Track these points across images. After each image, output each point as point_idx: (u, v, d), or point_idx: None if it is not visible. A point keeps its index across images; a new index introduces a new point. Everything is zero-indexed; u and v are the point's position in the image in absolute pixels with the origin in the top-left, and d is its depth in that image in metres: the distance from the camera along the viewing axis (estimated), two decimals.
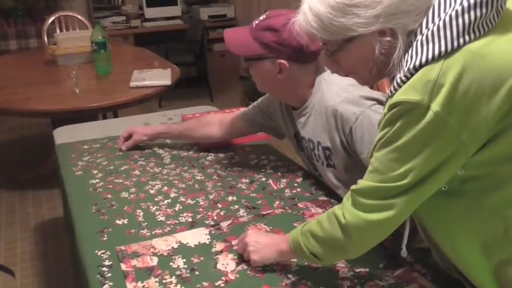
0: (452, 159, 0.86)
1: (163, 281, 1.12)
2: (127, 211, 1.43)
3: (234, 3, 5.65)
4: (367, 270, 1.13)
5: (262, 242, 1.15)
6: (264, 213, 1.40)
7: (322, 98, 1.38)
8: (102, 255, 1.22)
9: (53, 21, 4.26)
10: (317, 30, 0.96)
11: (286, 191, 1.52)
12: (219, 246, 1.25)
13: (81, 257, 1.24)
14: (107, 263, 1.19)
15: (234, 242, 1.25)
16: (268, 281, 1.11)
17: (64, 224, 1.79)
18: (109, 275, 1.15)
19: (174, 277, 1.13)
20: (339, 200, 1.37)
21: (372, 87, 1.46)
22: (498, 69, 0.82)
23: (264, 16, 1.40)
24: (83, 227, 1.36)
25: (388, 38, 0.91)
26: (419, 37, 0.87)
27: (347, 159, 1.36)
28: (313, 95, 1.42)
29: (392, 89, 0.89)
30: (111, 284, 1.12)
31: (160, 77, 2.90)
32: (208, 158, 1.77)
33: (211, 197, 1.50)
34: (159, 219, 1.38)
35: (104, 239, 1.30)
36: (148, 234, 1.31)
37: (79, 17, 4.35)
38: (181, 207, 1.44)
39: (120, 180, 1.62)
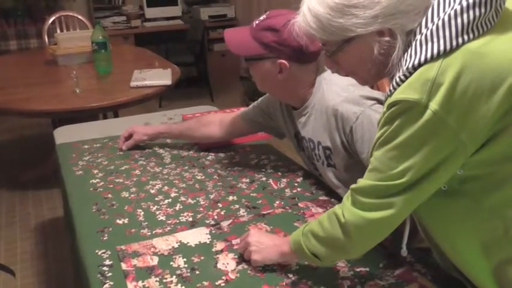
0: (451, 159, 0.86)
1: (164, 281, 1.12)
2: (127, 211, 1.43)
3: (235, 3, 5.65)
4: (368, 269, 1.13)
5: (265, 243, 1.15)
6: (265, 212, 1.40)
7: (322, 98, 1.39)
8: (102, 254, 1.22)
9: (53, 21, 4.27)
10: (316, 31, 0.96)
11: (286, 190, 1.53)
12: (219, 245, 1.25)
13: (82, 256, 1.24)
14: (107, 262, 1.19)
15: (234, 242, 1.25)
16: (268, 280, 1.11)
17: (64, 224, 1.79)
18: (109, 274, 1.15)
19: (174, 276, 1.13)
20: (339, 199, 1.37)
21: (372, 87, 1.46)
22: (497, 68, 0.82)
23: (264, 16, 1.40)
24: (84, 227, 1.36)
25: (386, 38, 0.91)
26: (418, 37, 0.87)
27: (347, 159, 1.36)
28: (313, 94, 1.42)
29: (391, 88, 0.89)
30: (111, 283, 1.12)
31: (160, 77, 2.90)
32: (208, 158, 1.78)
33: (211, 196, 1.50)
34: (159, 219, 1.38)
35: (105, 238, 1.30)
36: (149, 233, 1.31)
37: (79, 17, 4.35)
38: (181, 207, 1.44)
39: (121, 180, 1.62)
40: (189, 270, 1.15)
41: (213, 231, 1.31)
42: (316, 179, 1.58)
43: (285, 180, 1.59)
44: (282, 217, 1.38)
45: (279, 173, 1.64)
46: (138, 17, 5.43)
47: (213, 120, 1.78)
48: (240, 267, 1.16)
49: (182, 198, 1.49)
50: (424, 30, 0.86)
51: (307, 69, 1.41)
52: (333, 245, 1.00)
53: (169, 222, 1.37)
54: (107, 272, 1.16)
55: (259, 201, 1.46)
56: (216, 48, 5.60)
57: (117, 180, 1.62)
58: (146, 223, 1.36)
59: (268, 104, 1.63)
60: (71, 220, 1.45)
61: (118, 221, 1.38)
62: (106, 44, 3.03)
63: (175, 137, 1.86)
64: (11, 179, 3.53)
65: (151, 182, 1.60)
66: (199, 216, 1.39)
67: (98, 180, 1.63)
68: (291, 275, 1.13)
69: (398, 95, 0.86)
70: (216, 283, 1.11)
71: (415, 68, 0.85)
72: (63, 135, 2.03)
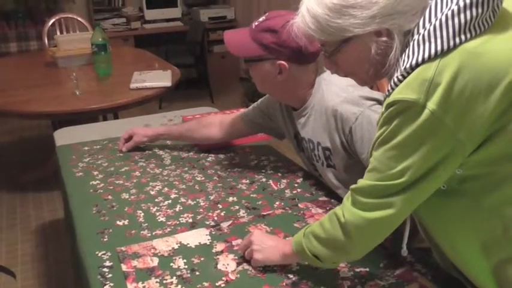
0: (449, 158, 0.86)
1: (164, 282, 1.12)
2: (127, 212, 1.43)
3: (234, 5, 5.65)
4: (368, 270, 1.14)
5: (267, 243, 1.15)
6: (265, 213, 1.40)
7: (322, 99, 1.39)
8: (102, 256, 1.23)
9: (53, 24, 4.27)
10: (315, 31, 0.96)
11: (286, 191, 1.53)
12: (219, 246, 1.25)
13: (82, 257, 1.25)
14: (107, 263, 1.19)
15: (234, 243, 1.25)
16: (268, 281, 1.11)
17: (65, 226, 1.79)
18: (110, 275, 1.15)
19: (174, 277, 1.13)
20: (339, 200, 1.38)
21: (372, 88, 1.46)
22: (494, 68, 0.82)
23: (264, 17, 1.40)
24: (84, 228, 1.36)
25: (384, 38, 0.92)
26: (416, 37, 0.87)
27: (347, 160, 1.36)
28: (313, 95, 1.42)
29: (389, 88, 0.90)
30: (111, 284, 1.12)
31: (160, 78, 2.91)
32: (208, 159, 1.78)
33: (211, 197, 1.50)
34: (159, 220, 1.38)
35: (105, 239, 1.30)
36: (149, 235, 1.31)
37: (79, 19, 4.36)
38: (181, 208, 1.44)
39: (121, 182, 1.62)
40: (189, 271, 1.15)
41: (213, 232, 1.31)
42: (316, 179, 1.58)
43: (285, 181, 1.59)
44: (282, 218, 1.38)
45: (279, 174, 1.64)
46: (137, 18, 5.43)
47: (213, 121, 1.79)
48: (240, 268, 1.16)
49: (182, 200, 1.49)
50: (421, 31, 0.87)
51: (306, 70, 1.41)
52: (334, 245, 1.00)
53: (169, 223, 1.37)
54: (107, 273, 1.16)
55: (259, 202, 1.46)
56: (216, 49, 5.60)
57: (117, 182, 1.62)
58: (146, 224, 1.36)
59: (268, 105, 1.63)
60: (71, 221, 1.46)
61: (118, 222, 1.38)
62: (106, 46, 3.03)
63: (175, 138, 1.86)
64: (12, 181, 3.53)
65: (151, 184, 1.60)
66: (199, 217, 1.39)
67: (98, 181, 1.63)
68: (291, 276, 1.13)
69: (396, 95, 0.86)
70: (216, 284, 1.11)
71: (412, 68, 0.86)
72: (63, 137, 2.04)
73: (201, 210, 1.43)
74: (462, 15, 0.84)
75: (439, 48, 0.84)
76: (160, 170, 1.70)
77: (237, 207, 1.44)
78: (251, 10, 5.22)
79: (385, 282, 1.09)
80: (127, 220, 1.39)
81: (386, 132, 0.89)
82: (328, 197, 1.48)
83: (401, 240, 1.07)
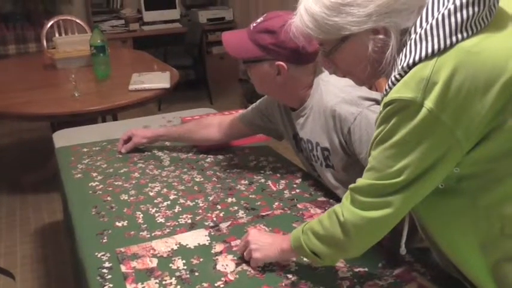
0: (447, 157, 0.86)
1: (163, 282, 1.12)
2: (127, 213, 1.43)
3: (233, 6, 5.65)
4: (366, 269, 1.14)
5: (265, 241, 1.15)
6: (264, 214, 1.40)
7: (320, 99, 1.39)
8: (102, 257, 1.23)
9: (51, 26, 4.27)
10: (312, 30, 0.97)
11: (285, 192, 1.53)
12: (218, 247, 1.25)
13: (81, 259, 1.25)
14: (106, 264, 1.20)
15: (233, 243, 1.26)
16: (267, 281, 1.11)
17: (64, 227, 1.79)
18: (109, 276, 1.15)
19: (173, 278, 1.14)
20: (338, 200, 1.37)
21: (370, 88, 1.46)
22: (491, 66, 0.83)
23: (262, 18, 1.40)
24: (83, 230, 1.37)
25: (381, 36, 0.92)
26: (413, 36, 0.88)
27: (346, 160, 1.36)
28: (311, 96, 1.42)
29: (387, 87, 0.90)
30: (111, 285, 1.12)
31: (159, 80, 2.91)
32: (207, 160, 1.78)
33: (210, 198, 1.50)
34: (158, 221, 1.38)
35: (104, 241, 1.30)
36: (148, 236, 1.31)
37: (78, 21, 4.36)
38: (180, 209, 1.45)
39: (120, 183, 1.63)
40: (188, 272, 1.16)
41: (212, 233, 1.31)
42: (314, 180, 1.58)
43: (283, 181, 1.59)
44: (281, 218, 1.38)
45: (278, 175, 1.64)
46: (136, 20, 5.43)
47: (212, 122, 1.79)
48: (239, 268, 1.16)
49: (181, 201, 1.50)
50: (418, 30, 0.87)
51: (305, 71, 1.41)
52: (333, 243, 1.01)
53: (169, 224, 1.37)
54: (106, 274, 1.16)
55: (258, 203, 1.46)
56: (214, 51, 5.60)
57: (116, 183, 1.63)
58: (145, 225, 1.36)
59: (266, 106, 1.63)
60: (71, 223, 1.46)
61: (117, 223, 1.38)
62: (104, 47, 3.03)
63: (174, 139, 1.86)
64: (11, 183, 3.53)
65: (150, 185, 1.60)
66: (198, 218, 1.40)
67: (97, 183, 1.63)
68: (290, 276, 1.13)
69: (393, 94, 0.87)
70: (216, 284, 1.11)
71: (409, 67, 0.86)
72: (63, 138, 2.04)
73: (200, 211, 1.43)
74: (459, 14, 0.84)
75: (435, 47, 0.84)
76: (160, 171, 1.71)
77: (236, 207, 1.44)
78: (249, 11, 5.23)
79: (384, 282, 1.10)
80: (126, 221, 1.39)
81: (384, 132, 0.89)
82: (327, 197, 1.48)
83: (400, 240, 1.07)
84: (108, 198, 1.52)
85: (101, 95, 2.88)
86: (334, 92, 1.36)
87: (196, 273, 1.15)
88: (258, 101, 1.67)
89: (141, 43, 5.19)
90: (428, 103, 0.83)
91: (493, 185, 0.89)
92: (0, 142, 4.35)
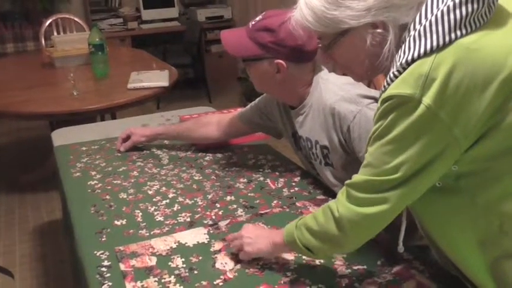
0: (444, 154, 0.86)
1: (162, 281, 1.12)
2: (125, 212, 1.43)
3: (231, 5, 5.65)
4: (365, 267, 1.14)
5: (258, 235, 1.16)
6: (262, 212, 1.40)
7: (320, 97, 1.39)
8: (101, 255, 1.23)
9: (50, 24, 4.27)
10: (312, 23, 0.98)
11: (284, 190, 1.53)
12: (217, 245, 1.25)
13: (80, 257, 1.25)
14: (105, 263, 1.20)
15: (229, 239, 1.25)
16: (266, 279, 1.12)
17: (63, 226, 1.79)
18: (108, 275, 1.15)
19: (173, 276, 1.14)
20: None
21: (369, 85, 1.46)
22: (490, 64, 0.83)
23: (261, 17, 1.40)
24: (82, 228, 1.37)
25: (379, 31, 0.92)
26: (412, 33, 0.88)
27: (345, 158, 1.36)
28: (311, 94, 1.42)
29: (385, 83, 0.90)
30: (110, 284, 1.12)
31: (157, 78, 2.91)
32: (206, 158, 1.78)
33: (209, 196, 1.50)
34: (157, 220, 1.38)
35: (103, 239, 1.30)
36: (147, 234, 1.31)
37: (76, 19, 4.35)
38: (179, 207, 1.45)
39: (119, 181, 1.63)
40: (187, 270, 1.16)
41: (211, 231, 1.31)
42: (313, 178, 1.58)
43: (282, 179, 1.60)
44: (280, 216, 1.38)
45: (277, 173, 1.64)
46: (134, 19, 5.43)
47: (210, 121, 1.79)
48: (238, 266, 1.16)
49: (180, 199, 1.50)
50: (417, 26, 0.87)
51: (304, 69, 1.41)
52: (327, 239, 1.01)
53: (167, 222, 1.37)
54: (105, 273, 1.16)
55: (257, 201, 1.47)
56: (213, 49, 5.60)
57: (115, 182, 1.62)
58: (144, 224, 1.36)
59: (266, 104, 1.63)
60: (70, 222, 1.46)
61: (116, 222, 1.38)
62: (103, 46, 3.03)
63: (173, 138, 1.86)
64: (10, 182, 3.53)
65: (149, 183, 1.60)
66: (197, 216, 1.40)
67: (96, 181, 1.63)
68: (289, 274, 1.13)
69: (392, 90, 0.87)
70: (215, 282, 1.11)
71: (408, 64, 0.86)
72: (61, 137, 2.04)
73: (199, 209, 1.43)
74: (458, 11, 0.84)
75: (434, 43, 0.84)
76: (158, 169, 1.71)
77: (234, 206, 1.44)
78: (248, 9, 5.22)
79: (383, 280, 1.10)
80: (125, 220, 1.39)
81: (381, 128, 0.89)
82: (325, 195, 1.48)
83: (398, 236, 1.07)
84: (107, 197, 1.52)
85: (99, 93, 2.88)
86: (333, 90, 1.36)
87: (196, 272, 1.15)
88: (257, 99, 1.67)
89: (140, 42, 5.19)
90: (427, 100, 0.83)
91: (492, 183, 0.89)
92: None
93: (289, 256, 1.18)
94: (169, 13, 5.50)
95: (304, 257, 1.18)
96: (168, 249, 1.24)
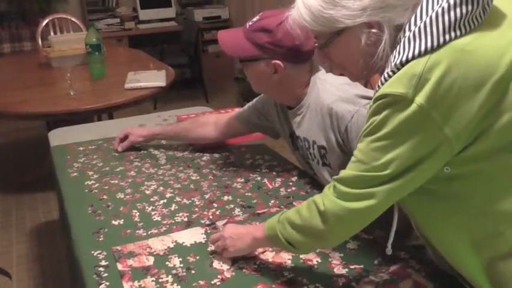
0: (436, 154, 0.86)
1: (160, 280, 1.12)
2: (123, 211, 1.43)
3: (228, 5, 5.66)
4: (362, 266, 1.14)
5: (238, 233, 1.16)
6: (260, 212, 1.41)
7: (317, 97, 1.39)
8: (98, 255, 1.23)
9: (47, 24, 4.26)
10: (308, 22, 0.98)
11: (281, 190, 1.53)
12: None
13: (78, 257, 1.25)
14: (103, 263, 1.20)
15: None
16: (263, 278, 1.12)
17: (60, 226, 1.79)
18: (105, 275, 1.15)
19: (170, 276, 1.14)
20: None
21: (365, 85, 1.47)
22: (483, 65, 0.83)
23: (258, 17, 1.40)
24: (79, 228, 1.37)
25: (374, 30, 0.93)
26: (407, 33, 0.88)
27: (342, 158, 1.36)
28: (308, 94, 1.43)
29: (379, 83, 0.91)
30: (107, 283, 1.12)
31: (155, 78, 2.91)
32: (203, 158, 1.78)
33: (206, 196, 1.50)
34: (155, 219, 1.39)
35: (100, 239, 1.30)
36: (144, 234, 1.31)
37: (73, 19, 4.35)
38: (177, 207, 1.45)
39: (116, 181, 1.63)
40: (184, 270, 1.16)
41: (209, 231, 1.31)
42: (310, 178, 1.59)
43: (279, 179, 1.60)
44: None
45: (274, 173, 1.65)
46: (132, 19, 5.43)
47: (208, 121, 1.79)
48: (235, 266, 1.16)
49: (177, 199, 1.50)
50: (413, 28, 0.88)
51: (301, 69, 1.41)
52: (311, 233, 1.01)
53: (165, 222, 1.37)
54: (102, 273, 1.16)
55: (254, 201, 1.47)
56: (210, 49, 5.60)
57: (112, 182, 1.63)
58: (142, 224, 1.37)
59: (263, 104, 1.63)
60: (67, 222, 1.46)
61: (113, 221, 1.38)
62: (100, 46, 3.03)
63: (170, 138, 1.87)
64: (7, 182, 3.52)
65: (146, 183, 1.60)
66: (194, 216, 1.40)
67: (93, 181, 1.63)
68: (286, 273, 1.13)
69: (385, 88, 0.87)
70: (212, 282, 1.11)
71: (403, 64, 0.87)
72: (58, 137, 2.03)
73: (196, 209, 1.44)
74: (452, 13, 0.85)
75: (429, 45, 0.85)
76: (156, 169, 1.71)
77: (232, 205, 1.45)
78: (245, 10, 5.23)
79: (380, 279, 1.10)
80: (122, 220, 1.39)
81: (373, 125, 0.90)
82: None
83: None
84: (104, 197, 1.53)
85: (96, 93, 2.88)
86: (331, 90, 1.36)
87: (193, 271, 1.15)
88: (255, 100, 1.67)
89: (137, 42, 5.19)
90: (419, 99, 0.83)
91: (485, 185, 0.89)
92: None
93: (287, 255, 1.19)
94: (167, 13, 5.51)
95: (301, 256, 1.18)
96: (165, 249, 1.24)
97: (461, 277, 1.00)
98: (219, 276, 1.13)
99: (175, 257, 1.21)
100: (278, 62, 1.37)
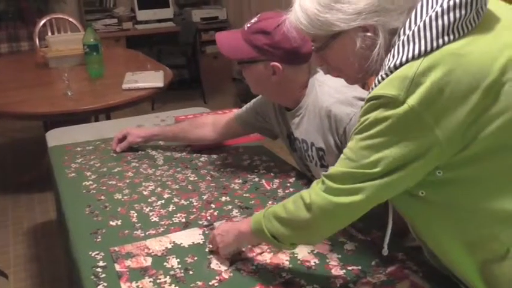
0: (426, 155, 0.87)
1: (158, 281, 1.13)
2: (121, 212, 1.43)
3: (226, 6, 5.66)
4: (360, 267, 1.15)
5: (227, 230, 1.17)
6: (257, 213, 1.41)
7: (315, 99, 1.40)
8: (96, 256, 1.23)
9: (44, 24, 4.25)
10: (305, 26, 0.99)
11: (279, 191, 1.54)
12: None
13: (76, 258, 1.25)
14: (101, 263, 1.20)
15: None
16: (261, 280, 1.12)
17: (57, 227, 1.79)
18: (103, 275, 1.15)
19: (168, 277, 1.14)
20: None
21: (363, 88, 1.47)
22: (475, 70, 0.84)
23: (256, 19, 1.40)
24: (77, 229, 1.37)
25: (369, 34, 0.94)
26: (402, 37, 0.89)
27: None
28: (306, 95, 1.43)
29: (373, 85, 0.91)
30: (105, 284, 1.12)
31: (152, 79, 2.91)
32: (201, 159, 1.78)
33: (204, 197, 1.51)
34: (152, 220, 1.39)
35: (98, 240, 1.30)
36: (142, 235, 1.32)
37: (71, 19, 4.34)
38: (174, 208, 1.45)
39: (114, 182, 1.63)
40: (182, 271, 1.16)
41: (207, 232, 1.32)
42: (308, 179, 1.59)
43: (277, 180, 1.60)
44: None
45: (272, 174, 1.65)
46: (129, 19, 5.42)
47: (206, 122, 1.79)
48: (233, 267, 1.17)
49: (175, 200, 1.50)
50: (407, 31, 0.88)
51: (300, 71, 1.42)
52: (295, 226, 1.02)
53: (163, 223, 1.37)
54: (100, 273, 1.16)
55: (252, 202, 1.47)
56: (208, 50, 5.61)
57: (110, 182, 1.63)
58: (139, 224, 1.37)
59: (261, 106, 1.63)
60: (64, 222, 1.46)
61: (111, 222, 1.38)
62: (98, 46, 3.02)
63: (169, 139, 1.86)
64: (3, 183, 3.51)
65: (144, 184, 1.60)
66: (192, 217, 1.40)
67: (90, 182, 1.63)
68: (284, 274, 1.14)
69: (377, 90, 0.88)
70: (210, 283, 1.11)
71: (396, 68, 0.87)
72: (56, 137, 2.03)
73: (194, 210, 1.44)
74: (446, 17, 0.85)
75: (422, 48, 0.86)
76: (153, 170, 1.71)
77: (230, 206, 1.45)
78: (243, 11, 5.24)
79: (377, 280, 1.11)
80: (120, 220, 1.39)
81: (363, 124, 0.90)
82: None
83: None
84: (102, 198, 1.53)
85: (94, 94, 2.88)
86: (329, 92, 1.37)
87: (191, 272, 1.16)
88: (253, 101, 1.67)
89: (135, 42, 5.18)
90: (411, 101, 0.84)
91: (477, 188, 0.89)
92: None
93: (284, 256, 1.19)
94: (164, 14, 5.51)
95: (299, 257, 1.19)
96: (163, 250, 1.24)
97: (458, 278, 1.01)
98: (216, 277, 1.13)
99: (173, 257, 1.21)
100: (276, 63, 1.38)
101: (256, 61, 1.40)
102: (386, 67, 0.89)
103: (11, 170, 3.70)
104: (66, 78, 2.81)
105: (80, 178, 1.67)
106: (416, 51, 0.86)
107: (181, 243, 1.27)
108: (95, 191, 1.57)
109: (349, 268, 1.15)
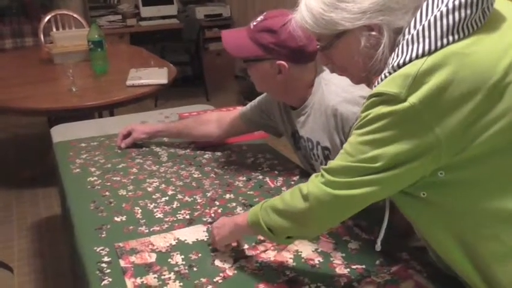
0: (425, 154, 0.86)
1: (162, 277, 1.13)
2: (125, 208, 1.44)
3: (230, 3, 5.66)
4: (364, 267, 1.15)
5: (224, 223, 1.19)
6: None
7: (322, 98, 1.40)
8: (101, 251, 1.23)
9: (49, 20, 4.26)
10: (310, 25, 0.99)
11: (283, 189, 1.54)
12: None
13: (80, 253, 1.25)
14: (105, 259, 1.20)
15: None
16: (265, 277, 1.12)
17: (61, 222, 1.80)
18: (108, 271, 1.16)
19: (172, 273, 1.14)
20: None
21: (369, 87, 1.47)
22: (479, 70, 0.83)
23: (262, 17, 1.40)
24: (82, 224, 1.37)
25: (374, 33, 0.94)
26: (406, 37, 0.89)
27: None
28: (312, 94, 1.43)
29: (376, 83, 0.91)
30: (110, 279, 1.13)
31: (156, 75, 2.91)
32: (205, 156, 1.79)
33: (208, 194, 1.51)
34: (157, 217, 1.39)
35: (103, 235, 1.31)
36: (147, 231, 1.32)
37: (75, 15, 4.35)
38: (178, 205, 1.45)
39: (118, 178, 1.63)
40: (186, 267, 1.17)
41: (210, 229, 1.32)
42: None
43: (281, 178, 1.60)
44: None
45: (276, 172, 1.65)
46: (133, 16, 5.43)
47: (210, 118, 1.80)
48: (237, 264, 1.17)
49: (179, 196, 1.50)
50: (412, 31, 0.88)
51: (306, 69, 1.42)
52: (292, 217, 1.02)
53: (167, 219, 1.38)
54: (105, 269, 1.17)
55: (256, 199, 1.47)
56: (211, 47, 5.61)
57: (114, 178, 1.63)
58: (144, 220, 1.37)
59: (266, 103, 1.64)
60: (69, 218, 1.46)
61: (116, 218, 1.39)
62: (102, 42, 3.03)
63: (173, 135, 1.87)
64: (7, 178, 3.52)
65: (148, 180, 1.61)
66: (196, 213, 1.40)
67: (95, 178, 1.64)
68: (288, 272, 1.14)
69: (379, 87, 0.88)
70: (214, 280, 1.12)
71: (400, 66, 0.87)
72: (60, 133, 2.04)
73: (198, 206, 1.44)
74: (451, 16, 0.85)
75: (426, 48, 0.85)
76: (157, 166, 1.71)
77: (233, 204, 1.45)
78: (246, 8, 5.24)
79: (381, 279, 1.11)
80: (125, 216, 1.40)
81: (364, 120, 0.90)
82: None
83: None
84: (107, 193, 1.53)
85: (98, 90, 2.88)
86: (335, 91, 1.36)
87: (195, 269, 1.16)
88: (257, 99, 1.67)
89: (138, 39, 5.19)
90: (412, 99, 0.84)
91: (479, 188, 0.89)
92: None
93: (288, 254, 1.20)
94: (168, 10, 5.51)
95: (303, 255, 1.19)
96: (167, 246, 1.25)
97: (462, 278, 1.01)
98: (221, 274, 1.14)
99: (177, 254, 1.22)
100: (282, 62, 1.38)
101: (262, 60, 1.40)
102: (390, 66, 0.89)
103: (16, 166, 3.71)
104: (71, 74, 2.82)
105: (85, 174, 1.67)
106: (421, 51, 0.86)
107: (186, 240, 1.27)
108: (99, 187, 1.58)
109: (353, 267, 1.15)
